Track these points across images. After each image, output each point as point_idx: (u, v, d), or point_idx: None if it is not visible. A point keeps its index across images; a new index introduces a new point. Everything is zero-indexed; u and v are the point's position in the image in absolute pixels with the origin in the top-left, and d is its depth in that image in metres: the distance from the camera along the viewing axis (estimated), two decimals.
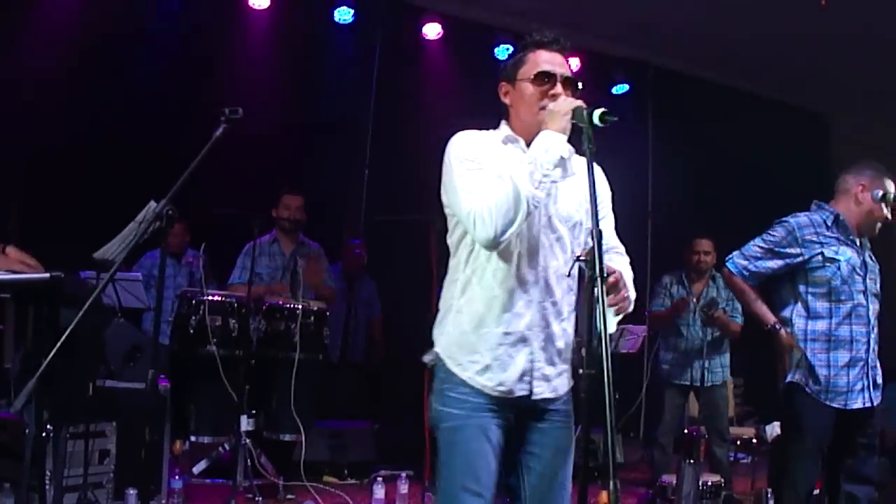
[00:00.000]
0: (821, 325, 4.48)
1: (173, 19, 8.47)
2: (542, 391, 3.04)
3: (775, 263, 4.59)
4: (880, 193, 4.55)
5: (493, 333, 2.99)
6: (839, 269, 4.45)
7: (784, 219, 4.65)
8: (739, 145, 10.69)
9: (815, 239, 4.52)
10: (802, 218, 4.62)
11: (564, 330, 3.12)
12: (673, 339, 7.46)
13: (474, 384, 2.99)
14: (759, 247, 4.65)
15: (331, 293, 7.25)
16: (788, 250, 4.56)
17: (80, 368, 4.88)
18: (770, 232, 4.65)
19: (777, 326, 4.60)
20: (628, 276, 2.99)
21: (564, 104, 2.92)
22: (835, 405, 4.40)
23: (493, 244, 2.87)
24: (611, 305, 2.79)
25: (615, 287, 2.81)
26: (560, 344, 3.10)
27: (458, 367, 3.02)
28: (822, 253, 4.48)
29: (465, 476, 2.96)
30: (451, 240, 3.16)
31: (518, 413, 3.05)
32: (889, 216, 4.61)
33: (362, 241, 8.80)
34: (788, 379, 4.54)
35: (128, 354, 5.70)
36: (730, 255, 4.80)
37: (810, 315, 4.51)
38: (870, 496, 4.47)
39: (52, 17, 7.92)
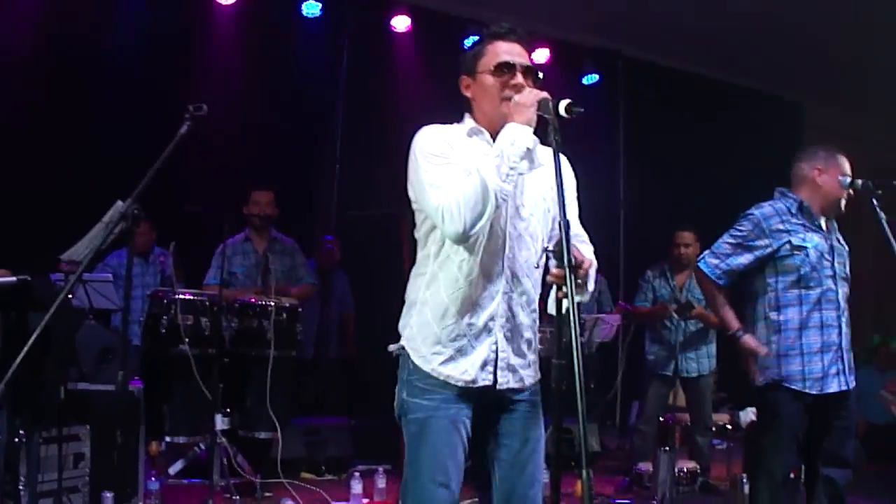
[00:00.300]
0: (792, 314, 4.48)
1: (139, 15, 8.37)
2: (506, 381, 3.04)
3: (746, 259, 4.59)
4: (848, 180, 4.56)
5: (456, 325, 2.99)
6: (807, 255, 4.45)
7: (749, 211, 4.64)
8: (711, 135, 10.71)
9: (781, 228, 4.52)
10: (767, 208, 4.61)
11: (534, 321, 3.13)
12: (658, 330, 7.51)
13: (439, 376, 2.99)
14: (728, 243, 4.65)
15: (310, 289, 7.23)
16: (757, 243, 4.55)
17: (52, 372, 4.84)
18: (737, 227, 4.64)
19: (740, 333, 4.62)
20: (592, 265, 2.97)
21: (529, 96, 2.91)
22: (812, 391, 4.41)
23: (463, 238, 2.86)
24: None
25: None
26: (528, 334, 3.10)
27: (421, 360, 3.02)
28: (789, 241, 4.48)
29: (434, 468, 2.96)
30: (418, 234, 3.14)
31: (484, 404, 3.04)
32: (851, 193, 4.60)
33: (334, 237, 8.78)
34: (761, 381, 4.55)
35: (100, 356, 5.65)
36: (701, 255, 4.80)
37: (781, 304, 4.51)
38: (847, 479, 4.49)
39: (13, 14, 7.82)
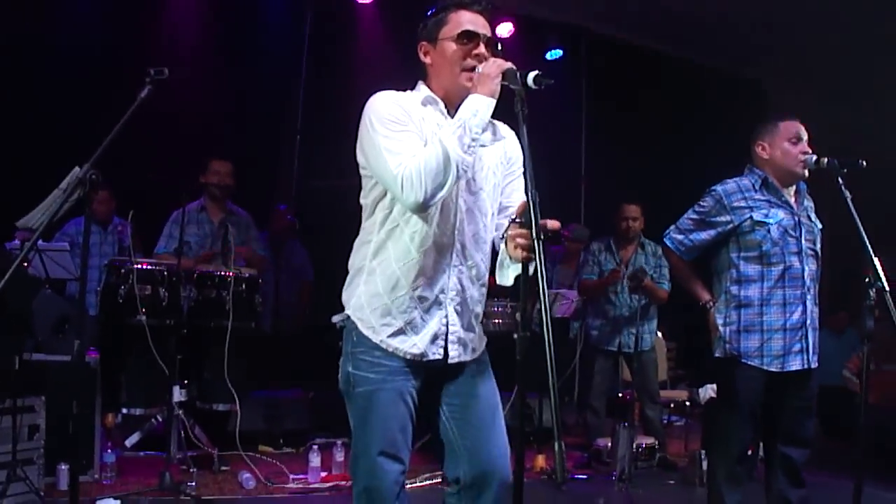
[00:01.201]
0: (753, 291, 4.48)
1: None
2: (457, 355, 3.04)
3: (708, 234, 4.59)
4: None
5: (407, 296, 2.97)
6: (769, 232, 4.44)
7: (713, 187, 4.63)
8: (674, 111, 10.74)
9: (743, 204, 4.51)
10: (731, 185, 4.60)
11: (483, 294, 3.13)
12: (602, 305, 7.53)
13: (387, 347, 2.96)
14: (690, 219, 4.66)
15: (262, 261, 7.15)
16: (718, 219, 4.55)
17: (6, 342, 4.78)
18: (700, 203, 4.64)
19: (709, 305, 4.63)
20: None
21: (493, 66, 2.87)
22: (772, 369, 4.40)
23: (423, 208, 2.83)
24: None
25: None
26: (477, 308, 3.12)
27: (369, 331, 2.99)
28: (750, 217, 4.46)
29: (383, 440, 2.94)
30: (365, 200, 3.09)
31: (432, 374, 3.04)
32: (805, 150, 4.57)
33: (288, 207, 8.73)
34: (719, 353, 4.55)
35: (56, 326, 5.59)
36: (667, 231, 4.80)
37: (742, 280, 4.51)
38: (805, 457, 4.51)
39: None
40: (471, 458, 3.02)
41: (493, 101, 2.86)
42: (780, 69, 11.57)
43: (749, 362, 4.43)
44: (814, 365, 4.48)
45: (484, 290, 3.13)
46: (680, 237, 4.67)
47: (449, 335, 3.02)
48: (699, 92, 11.09)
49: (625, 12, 10.22)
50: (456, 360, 3.03)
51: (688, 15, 10.03)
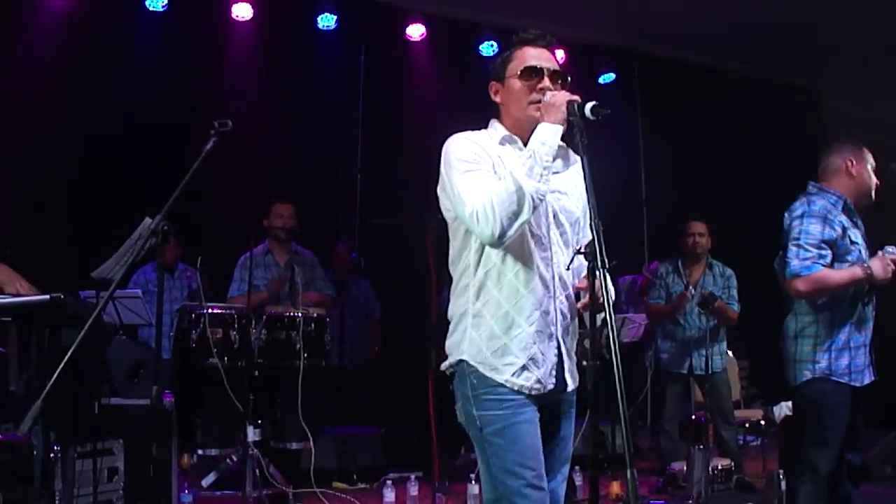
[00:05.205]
0: (845, 308, 4.41)
1: (159, 35, 8.46)
2: (572, 383, 3.11)
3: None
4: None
5: (526, 333, 3.00)
6: (860, 252, 4.43)
7: (809, 210, 4.46)
8: (730, 126, 10.61)
9: (840, 220, 4.49)
10: (819, 205, 4.45)
11: (576, 322, 3.18)
12: (670, 328, 7.44)
13: (513, 387, 2.99)
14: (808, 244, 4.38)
15: (329, 301, 7.23)
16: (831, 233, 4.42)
17: (85, 387, 4.87)
18: (805, 229, 4.40)
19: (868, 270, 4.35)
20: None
21: (559, 96, 2.94)
22: (855, 384, 4.41)
23: (498, 241, 2.88)
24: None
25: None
26: (576, 336, 3.18)
27: (493, 372, 3.01)
28: (848, 237, 4.44)
29: (526, 471, 2.94)
30: (455, 244, 3.16)
31: (542, 406, 3.06)
32: (878, 182, 4.57)
33: (347, 244, 8.85)
34: (806, 376, 4.49)
35: (131, 371, 5.70)
36: (788, 269, 4.45)
37: (836, 299, 4.45)
38: (860, 458, 4.59)
39: (36, 38, 7.92)
40: None
41: (561, 129, 2.92)
42: (836, 79, 11.42)
43: (840, 380, 4.40)
44: (875, 377, 4.54)
45: (576, 320, 3.19)
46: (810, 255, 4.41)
47: (564, 364, 3.08)
48: (754, 105, 10.94)
49: (674, 30, 10.17)
50: (571, 388, 3.11)
51: (738, 28, 9.96)
